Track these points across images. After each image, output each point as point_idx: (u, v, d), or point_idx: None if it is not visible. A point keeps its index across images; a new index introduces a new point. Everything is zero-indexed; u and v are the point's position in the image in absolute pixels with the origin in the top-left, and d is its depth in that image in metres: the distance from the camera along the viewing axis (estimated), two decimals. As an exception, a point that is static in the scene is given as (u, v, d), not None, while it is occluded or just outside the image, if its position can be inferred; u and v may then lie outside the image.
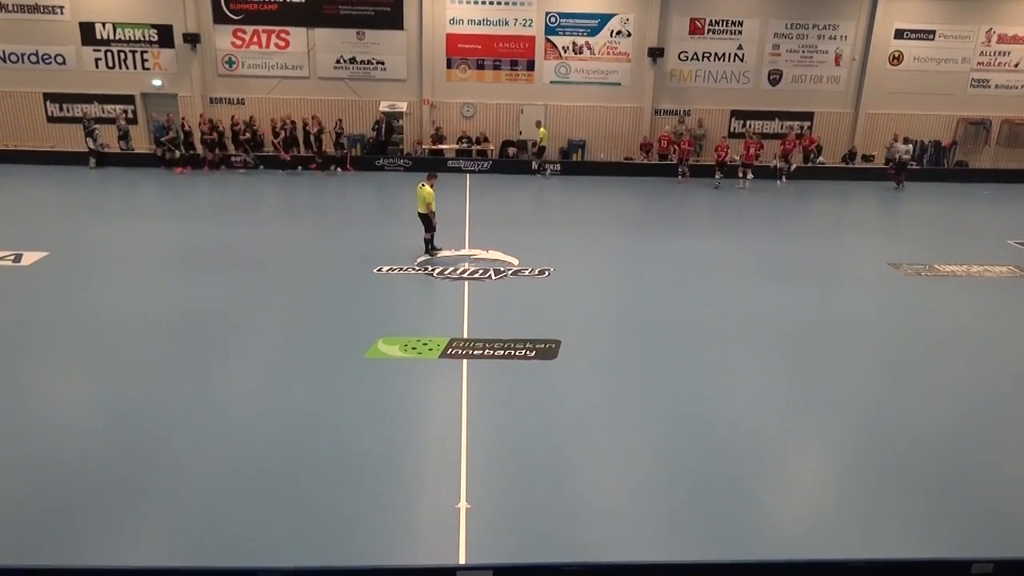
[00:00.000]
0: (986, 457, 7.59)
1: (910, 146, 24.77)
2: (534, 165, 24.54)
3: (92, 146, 22.44)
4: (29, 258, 13.21)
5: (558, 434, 7.71)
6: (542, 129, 24.18)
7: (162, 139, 22.70)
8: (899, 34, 25.47)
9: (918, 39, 25.54)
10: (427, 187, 13.51)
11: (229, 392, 8.53)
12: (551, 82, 25.41)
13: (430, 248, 13.97)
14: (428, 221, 13.72)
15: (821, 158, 25.95)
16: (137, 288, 12.00)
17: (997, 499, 6.82)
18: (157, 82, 24.51)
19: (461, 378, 8.92)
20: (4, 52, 23.77)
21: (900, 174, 24.34)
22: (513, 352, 9.69)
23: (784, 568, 5.51)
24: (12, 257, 13.23)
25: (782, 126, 26.03)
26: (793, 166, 24.47)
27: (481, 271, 13.25)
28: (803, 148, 25.32)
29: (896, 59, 25.68)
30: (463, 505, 6.42)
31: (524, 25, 24.77)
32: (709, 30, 25.18)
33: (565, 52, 25.12)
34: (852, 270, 14.47)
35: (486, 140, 25.01)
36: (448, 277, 12.92)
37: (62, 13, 23.62)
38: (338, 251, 14.58)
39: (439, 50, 24.89)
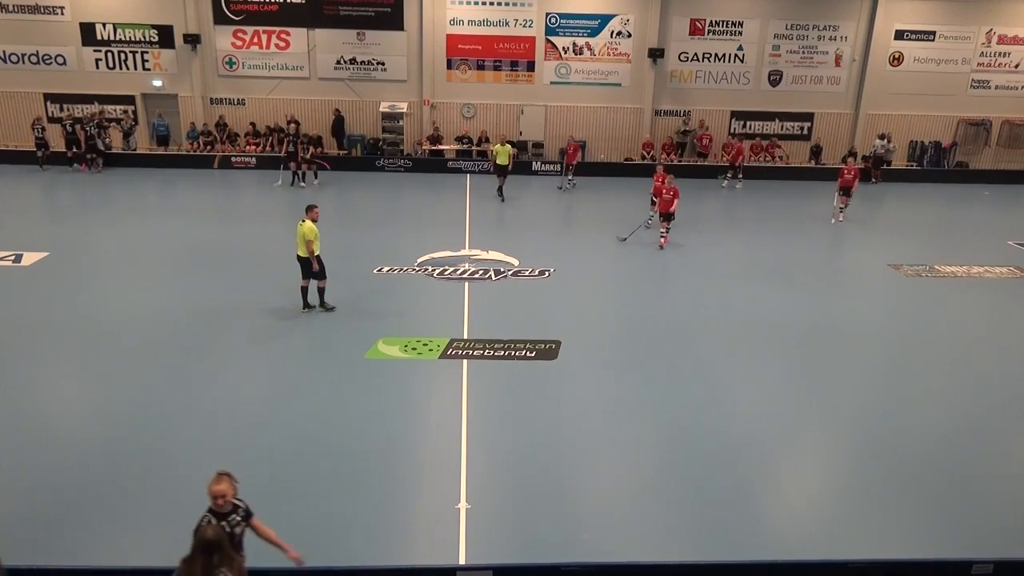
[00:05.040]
0: (986, 458, 7.59)
1: (887, 143, 24.78)
2: (499, 193, 20.41)
3: (100, 147, 22.43)
4: (29, 258, 13.21)
5: (558, 435, 7.72)
6: (497, 146, 20.58)
7: (197, 139, 23.30)
8: (899, 35, 25.44)
9: (918, 40, 25.52)
10: (307, 223, 10.43)
11: (229, 392, 8.53)
12: (551, 83, 25.37)
13: (322, 301, 11.00)
14: (308, 266, 10.65)
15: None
16: (137, 288, 12.00)
17: (997, 500, 6.83)
18: (157, 83, 24.48)
19: (461, 378, 8.93)
20: (4, 52, 23.75)
21: (876, 170, 24.45)
22: (513, 352, 9.69)
23: (784, 568, 5.51)
24: (12, 257, 13.23)
25: (782, 127, 26.01)
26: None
27: (481, 272, 13.25)
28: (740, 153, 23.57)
29: (896, 60, 25.65)
30: (463, 505, 6.42)
31: (524, 26, 24.75)
32: (709, 31, 25.16)
33: (565, 53, 25.10)
34: (852, 271, 14.47)
35: (487, 141, 24.97)
36: (448, 277, 12.92)
37: (62, 14, 23.60)
38: (338, 251, 14.54)
39: (439, 51, 24.88)
